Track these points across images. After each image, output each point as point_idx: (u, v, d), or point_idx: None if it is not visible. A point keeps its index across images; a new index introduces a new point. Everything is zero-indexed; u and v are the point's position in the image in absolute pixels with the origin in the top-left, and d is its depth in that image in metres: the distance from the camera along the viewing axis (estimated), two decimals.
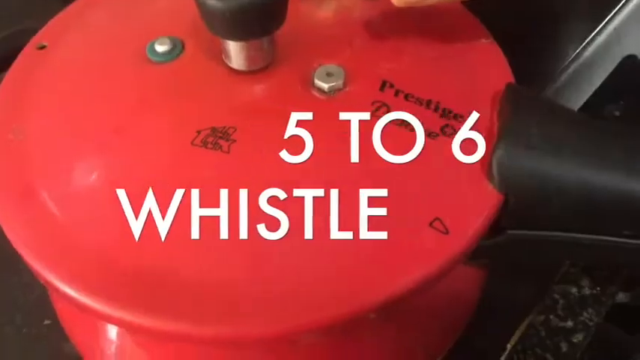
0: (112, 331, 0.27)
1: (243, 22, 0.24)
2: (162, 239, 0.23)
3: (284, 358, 0.25)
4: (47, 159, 0.25)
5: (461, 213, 0.24)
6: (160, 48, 0.27)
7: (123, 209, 0.23)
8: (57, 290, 0.23)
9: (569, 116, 0.26)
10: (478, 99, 0.27)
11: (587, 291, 0.36)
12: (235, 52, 0.26)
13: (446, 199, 0.24)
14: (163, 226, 0.23)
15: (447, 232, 0.23)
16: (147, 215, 0.23)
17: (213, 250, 0.23)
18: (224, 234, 0.23)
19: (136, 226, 0.23)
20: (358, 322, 0.23)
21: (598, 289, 0.34)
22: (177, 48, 0.28)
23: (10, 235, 0.24)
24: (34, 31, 0.30)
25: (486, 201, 0.24)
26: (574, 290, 0.36)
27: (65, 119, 0.26)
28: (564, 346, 0.34)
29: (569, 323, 0.35)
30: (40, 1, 0.46)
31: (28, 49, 0.29)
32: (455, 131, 0.26)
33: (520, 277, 0.36)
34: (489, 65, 0.28)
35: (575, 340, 0.34)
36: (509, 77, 0.28)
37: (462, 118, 0.26)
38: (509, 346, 0.35)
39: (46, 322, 0.35)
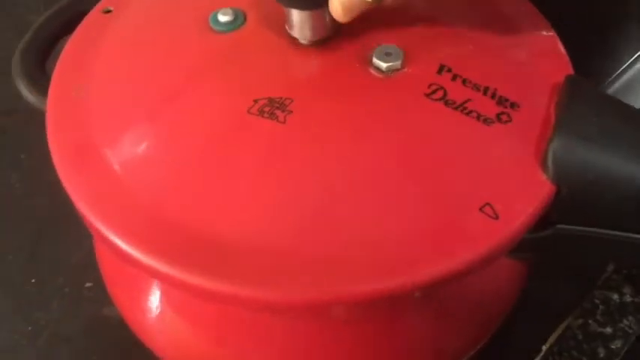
0: (156, 291, 0.27)
1: None
2: (215, 201, 0.23)
3: (324, 331, 0.26)
4: (107, 117, 0.26)
5: (512, 200, 0.23)
6: (223, 18, 0.28)
7: (179, 169, 0.24)
8: (109, 244, 0.23)
9: (627, 111, 0.25)
10: (536, 89, 0.26)
11: (628, 298, 0.35)
12: (299, 22, 0.26)
13: (498, 186, 0.24)
14: (216, 188, 0.24)
15: (496, 218, 0.23)
16: (201, 176, 0.24)
17: (265, 214, 0.23)
18: (274, 199, 0.23)
19: (190, 186, 0.24)
20: (400, 300, 0.23)
21: None
22: (240, 19, 0.28)
23: (68, 188, 0.25)
24: None
25: (538, 190, 0.24)
26: (615, 297, 0.35)
27: (126, 81, 0.27)
28: (602, 352, 0.33)
29: (608, 329, 0.34)
30: None
31: (94, 13, 0.30)
32: (510, 119, 0.25)
33: (561, 280, 0.36)
34: (549, 56, 0.28)
35: (613, 347, 0.34)
36: (568, 69, 0.27)
37: (518, 107, 0.26)
38: (544, 348, 0.35)
39: (88, 284, 0.36)
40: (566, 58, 0.28)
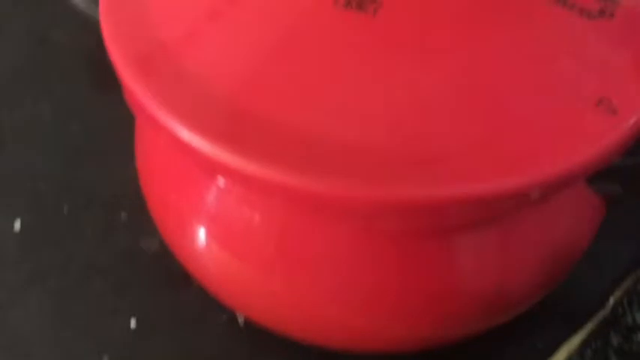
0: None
1: None
2: (304, 95, 0.21)
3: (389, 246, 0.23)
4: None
5: (628, 94, 0.21)
6: None
7: (262, 65, 0.22)
8: (185, 146, 0.21)
9: None
10: None
11: None
12: None
13: (610, 80, 0.22)
14: (302, 82, 0.21)
15: (615, 113, 0.21)
16: (285, 70, 0.22)
17: (362, 107, 0.21)
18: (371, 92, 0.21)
19: (274, 80, 0.22)
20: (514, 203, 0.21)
21: None
22: None
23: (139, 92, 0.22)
24: None
25: None
26: None
27: None
28: None
29: None
30: None
31: None
32: (613, 14, 0.23)
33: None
34: None
35: None
36: None
37: (618, 2, 0.24)
38: (612, 299, 0.33)
39: (123, 214, 0.34)
40: None
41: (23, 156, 0.36)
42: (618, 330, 0.31)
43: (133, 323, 0.30)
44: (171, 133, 0.21)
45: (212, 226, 0.25)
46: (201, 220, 0.25)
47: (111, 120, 0.33)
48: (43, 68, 0.39)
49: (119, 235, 0.33)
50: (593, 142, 0.20)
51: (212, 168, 0.22)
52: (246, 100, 0.21)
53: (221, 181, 0.23)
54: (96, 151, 0.35)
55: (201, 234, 0.26)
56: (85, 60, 0.38)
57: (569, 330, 0.31)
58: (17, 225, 0.33)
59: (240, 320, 0.30)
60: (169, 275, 0.30)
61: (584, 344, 0.31)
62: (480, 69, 0.22)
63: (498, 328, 0.27)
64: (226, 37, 0.23)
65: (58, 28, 0.39)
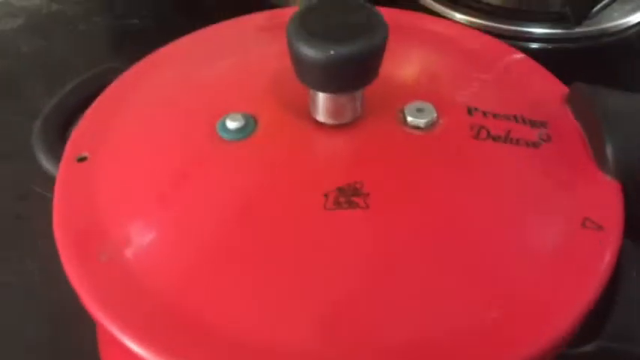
0: None
1: (363, 70, 0.23)
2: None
3: None
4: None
5: (604, 207, 0.24)
6: (232, 125, 0.25)
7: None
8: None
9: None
10: (549, 106, 0.28)
11: None
12: (335, 105, 0.25)
13: (584, 197, 0.24)
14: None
15: (601, 228, 0.24)
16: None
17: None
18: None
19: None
20: None
21: None
22: (250, 125, 0.25)
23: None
24: (120, 70, 0.30)
25: (613, 190, 0.25)
26: None
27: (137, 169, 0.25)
28: None
29: None
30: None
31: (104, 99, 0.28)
32: (549, 137, 0.26)
33: None
34: (536, 76, 0.30)
35: None
36: (559, 83, 0.29)
37: (548, 125, 0.27)
38: None
39: None
40: (551, 74, 0.30)
41: None
42: None
43: None
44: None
45: None
46: None
47: None
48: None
49: None
50: (598, 257, 0.22)
51: None
52: (177, 297, 0.21)
53: None
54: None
55: None
56: None
57: None
58: None
59: None
60: None
61: None
62: (490, 221, 0.23)
63: None
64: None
65: None
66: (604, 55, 0.49)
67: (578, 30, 0.49)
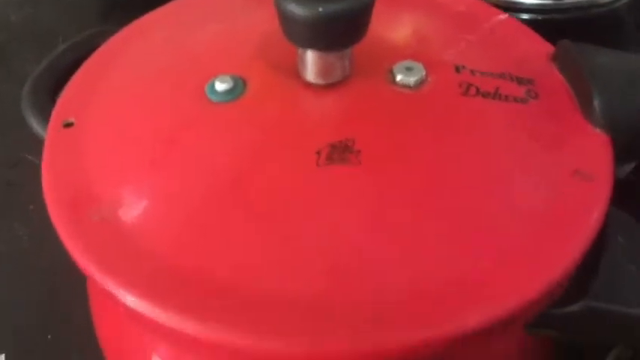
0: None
1: (351, 27, 0.24)
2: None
3: None
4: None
5: (594, 158, 0.24)
6: (220, 86, 0.25)
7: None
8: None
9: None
10: (535, 64, 0.28)
11: None
12: (323, 64, 0.25)
13: (575, 150, 0.24)
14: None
15: (592, 179, 0.24)
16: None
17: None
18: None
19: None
20: None
21: None
22: (239, 86, 0.26)
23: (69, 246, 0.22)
24: (111, 33, 0.29)
25: (602, 141, 0.25)
26: None
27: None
28: None
29: None
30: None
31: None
32: (537, 94, 0.26)
33: None
34: (521, 35, 0.30)
35: None
36: (543, 42, 0.29)
37: (534, 82, 0.27)
38: None
39: None
40: (536, 34, 0.30)
41: None
42: None
43: None
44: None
45: None
46: None
47: None
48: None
49: None
50: (591, 205, 0.23)
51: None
52: (176, 255, 0.21)
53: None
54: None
55: None
56: None
57: None
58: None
59: None
60: None
61: None
62: (481, 174, 0.23)
63: None
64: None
65: None
66: (593, 25, 0.50)
67: (567, 1, 0.49)
